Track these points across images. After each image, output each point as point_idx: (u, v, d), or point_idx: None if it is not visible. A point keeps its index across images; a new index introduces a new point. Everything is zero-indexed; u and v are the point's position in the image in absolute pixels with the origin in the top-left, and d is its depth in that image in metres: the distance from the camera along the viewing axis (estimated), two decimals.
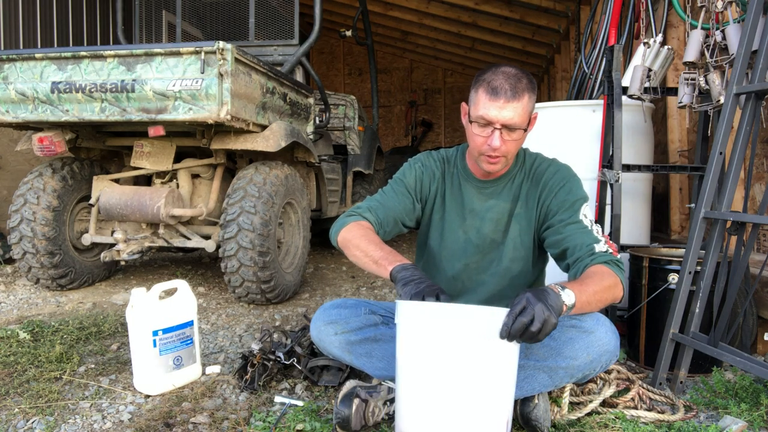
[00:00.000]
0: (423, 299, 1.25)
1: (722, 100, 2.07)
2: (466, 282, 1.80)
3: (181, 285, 2.01)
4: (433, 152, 1.84)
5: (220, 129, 3.04)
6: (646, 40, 2.51)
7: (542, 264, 1.84)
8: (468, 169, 1.77)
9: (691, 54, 2.24)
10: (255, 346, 2.01)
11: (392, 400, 1.58)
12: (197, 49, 2.68)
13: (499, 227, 1.74)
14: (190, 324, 1.99)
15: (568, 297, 1.33)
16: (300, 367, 1.96)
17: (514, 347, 1.28)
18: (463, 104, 1.66)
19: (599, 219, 2.59)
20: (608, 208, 2.49)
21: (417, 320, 1.28)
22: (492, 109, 1.52)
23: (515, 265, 1.75)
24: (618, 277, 1.49)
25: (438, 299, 1.26)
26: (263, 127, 3.18)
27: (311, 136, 3.96)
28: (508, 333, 1.21)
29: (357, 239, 1.57)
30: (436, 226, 1.80)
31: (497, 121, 1.53)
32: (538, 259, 1.78)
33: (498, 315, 1.24)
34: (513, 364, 1.30)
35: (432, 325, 1.26)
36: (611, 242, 1.58)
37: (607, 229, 2.45)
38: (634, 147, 2.72)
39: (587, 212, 1.63)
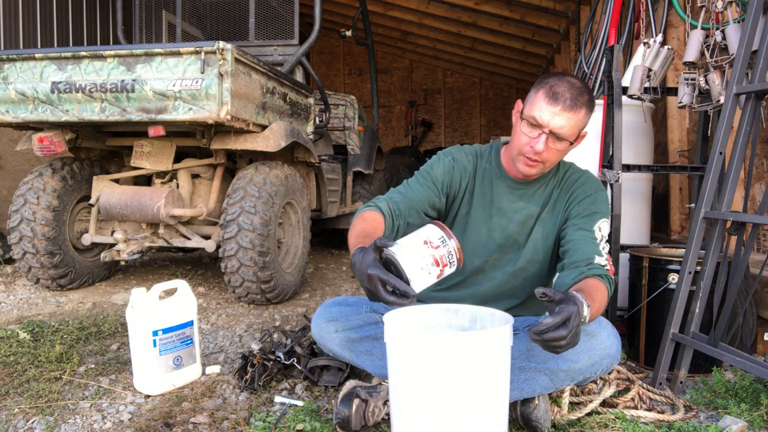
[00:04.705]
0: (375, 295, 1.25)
1: (722, 100, 2.07)
2: (479, 276, 1.78)
3: (181, 285, 2.01)
4: (464, 146, 1.81)
5: (220, 129, 3.03)
6: (646, 40, 2.51)
7: (555, 270, 1.83)
8: (502, 167, 1.74)
9: (691, 54, 2.24)
10: (255, 346, 2.01)
11: None
12: (197, 49, 2.68)
13: (524, 229, 1.73)
14: (190, 324, 1.99)
15: (587, 314, 1.33)
16: (300, 367, 1.96)
17: (504, 371, 1.29)
18: (519, 101, 1.65)
19: None
20: (610, 209, 2.49)
21: (403, 346, 1.28)
22: (546, 112, 1.51)
23: (531, 266, 1.74)
24: (608, 296, 1.52)
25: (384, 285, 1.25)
26: (263, 127, 3.18)
27: (311, 136, 3.96)
28: (541, 335, 1.20)
29: (354, 231, 1.53)
30: (461, 220, 1.77)
31: (547, 125, 1.52)
32: (554, 265, 1.78)
33: (481, 340, 1.24)
34: (503, 386, 1.30)
35: (418, 353, 1.25)
36: (611, 264, 1.59)
37: (607, 229, 2.45)
38: (634, 147, 2.72)
39: (603, 227, 1.64)
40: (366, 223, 1.54)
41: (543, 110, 1.52)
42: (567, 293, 1.28)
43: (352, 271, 1.35)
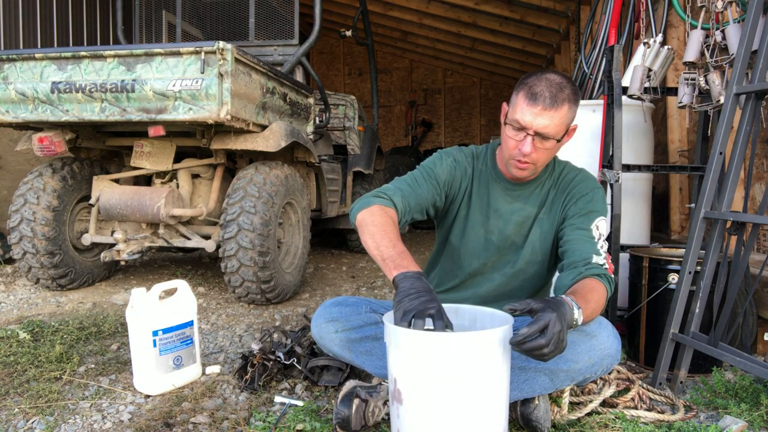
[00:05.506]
0: (412, 320, 1.22)
1: (722, 100, 2.07)
2: (477, 278, 1.79)
3: (181, 285, 2.01)
4: (463, 148, 1.81)
5: (220, 129, 3.04)
6: (646, 40, 2.51)
7: (555, 269, 1.83)
8: (498, 168, 1.74)
9: (691, 54, 2.24)
10: (255, 346, 2.01)
11: None
12: (197, 49, 2.68)
13: (522, 230, 1.73)
14: (190, 324, 1.99)
15: (579, 316, 1.33)
16: (300, 367, 1.96)
17: (504, 372, 1.28)
18: (504, 104, 1.64)
19: None
20: (608, 208, 2.49)
21: (402, 346, 1.28)
22: (528, 114, 1.50)
23: (530, 267, 1.74)
24: (608, 294, 1.51)
25: (433, 320, 1.23)
26: (263, 127, 3.18)
27: (311, 136, 3.96)
28: (520, 346, 1.20)
29: (374, 227, 1.49)
30: (460, 222, 1.77)
31: (531, 127, 1.51)
32: (554, 264, 1.78)
33: (481, 340, 1.24)
34: (503, 386, 1.30)
35: (418, 353, 1.25)
36: (610, 262, 1.58)
37: (607, 229, 2.45)
38: (634, 147, 2.72)
39: (600, 225, 1.63)
40: (389, 222, 1.52)
41: (524, 112, 1.51)
42: (548, 300, 1.27)
43: (396, 287, 1.34)
